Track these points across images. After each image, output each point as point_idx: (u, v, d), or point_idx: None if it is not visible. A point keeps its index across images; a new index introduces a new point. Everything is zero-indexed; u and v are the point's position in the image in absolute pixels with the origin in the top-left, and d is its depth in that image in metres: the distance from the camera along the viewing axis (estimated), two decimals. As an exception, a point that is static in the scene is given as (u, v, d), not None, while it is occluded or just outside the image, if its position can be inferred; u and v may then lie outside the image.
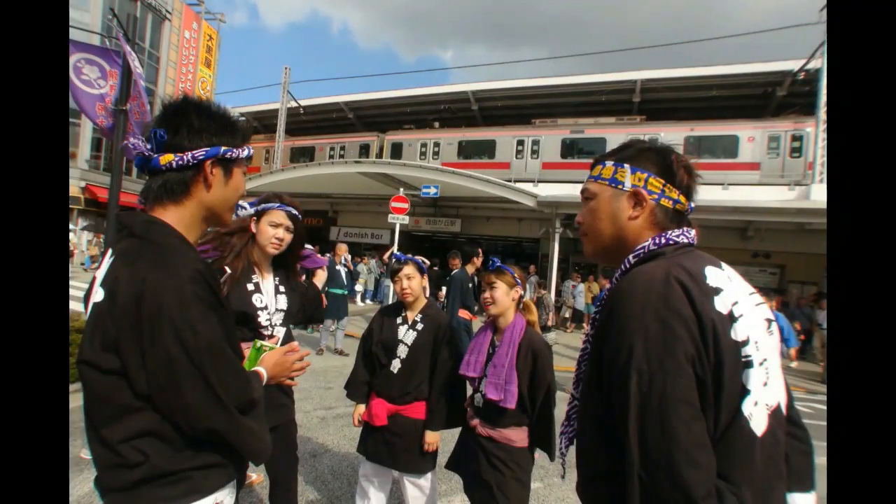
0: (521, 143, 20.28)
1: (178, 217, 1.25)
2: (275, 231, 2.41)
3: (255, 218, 2.44)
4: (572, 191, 15.91)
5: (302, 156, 25.32)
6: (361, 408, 2.83)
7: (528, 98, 23.99)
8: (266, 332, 2.33)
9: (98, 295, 1.17)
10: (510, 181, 16.18)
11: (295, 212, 2.49)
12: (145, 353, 1.09)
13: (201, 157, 1.23)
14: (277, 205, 2.44)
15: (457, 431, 2.73)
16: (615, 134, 18.36)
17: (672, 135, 17.48)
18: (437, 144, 22.10)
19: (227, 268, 2.23)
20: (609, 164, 1.22)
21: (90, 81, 5.47)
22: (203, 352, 1.11)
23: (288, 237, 2.46)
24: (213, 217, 1.33)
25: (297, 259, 2.65)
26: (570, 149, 19.57)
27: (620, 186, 1.18)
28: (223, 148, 1.26)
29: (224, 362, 1.16)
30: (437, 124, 24.38)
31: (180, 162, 1.22)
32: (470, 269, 7.62)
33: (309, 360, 1.72)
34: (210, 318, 1.15)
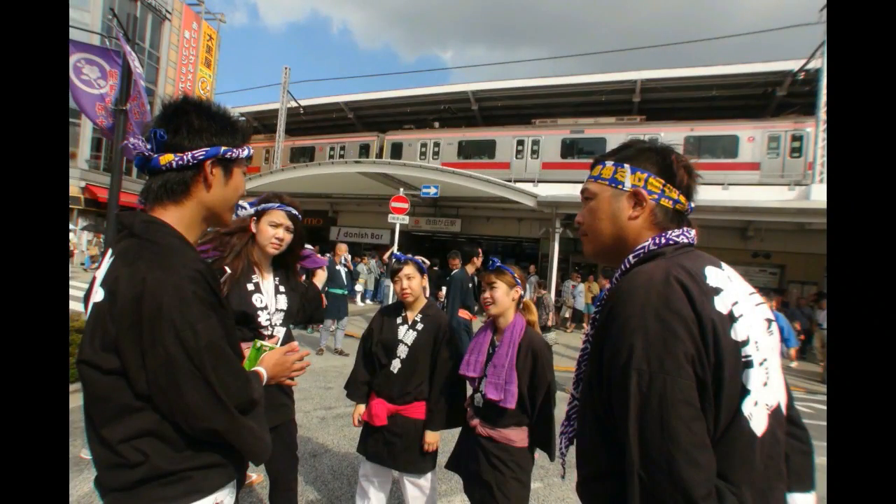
0: (521, 143, 20.25)
1: (178, 217, 1.25)
2: (275, 231, 2.41)
3: (254, 218, 2.43)
4: (572, 191, 15.87)
5: (302, 156, 25.31)
6: (361, 408, 2.82)
7: (528, 98, 23.95)
8: (266, 332, 2.33)
9: (98, 295, 1.17)
10: (510, 181, 16.17)
11: (295, 212, 2.49)
12: (145, 354, 1.09)
13: (201, 157, 1.24)
14: (277, 205, 2.44)
15: (457, 431, 2.73)
16: (615, 134, 18.33)
17: (672, 135, 17.45)
18: (437, 144, 22.08)
19: (226, 268, 2.23)
20: (609, 164, 1.22)
21: (90, 81, 5.48)
22: (203, 352, 1.11)
23: (288, 237, 2.46)
24: (213, 217, 1.34)
25: (297, 259, 2.65)
26: (570, 149, 19.53)
27: (620, 186, 1.18)
28: (223, 148, 1.26)
29: (224, 362, 1.16)
30: (437, 124, 24.37)
31: (180, 162, 1.22)
32: (470, 269, 7.63)
33: (309, 360, 1.72)
34: (210, 318, 1.15)
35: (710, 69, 19.94)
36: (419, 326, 2.76)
